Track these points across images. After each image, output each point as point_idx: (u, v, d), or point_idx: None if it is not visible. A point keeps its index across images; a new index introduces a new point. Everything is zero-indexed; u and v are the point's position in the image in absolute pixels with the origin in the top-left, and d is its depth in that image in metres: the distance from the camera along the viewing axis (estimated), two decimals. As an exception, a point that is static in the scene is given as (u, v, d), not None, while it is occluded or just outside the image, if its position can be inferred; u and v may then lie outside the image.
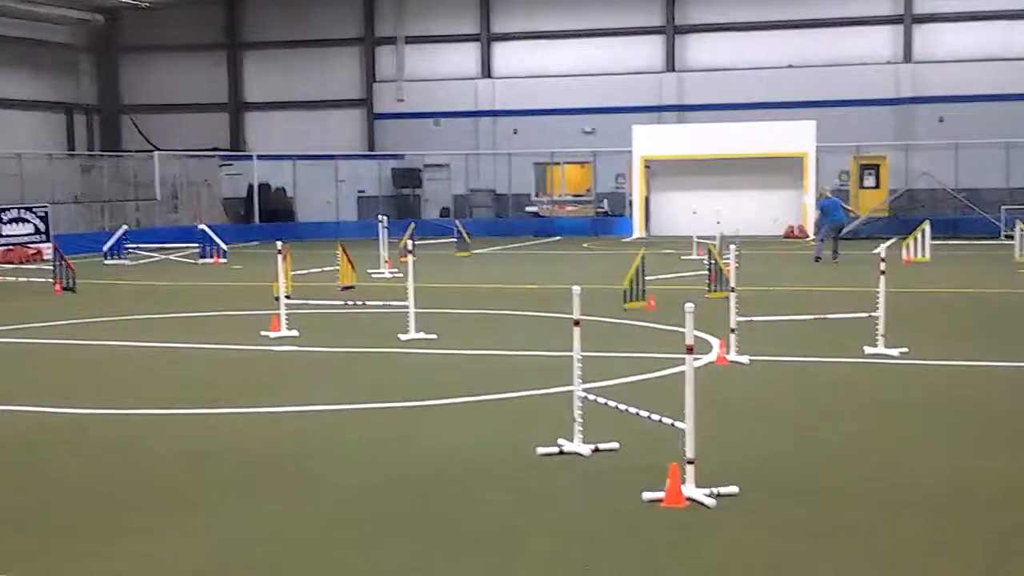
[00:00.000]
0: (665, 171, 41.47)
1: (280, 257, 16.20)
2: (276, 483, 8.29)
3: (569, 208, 44.97)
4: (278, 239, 18.61)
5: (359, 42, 47.55)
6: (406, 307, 15.36)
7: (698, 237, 30.14)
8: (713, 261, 19.63)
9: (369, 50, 47.40)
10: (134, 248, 32.11)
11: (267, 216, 43.09)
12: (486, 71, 46.29)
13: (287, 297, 16.03)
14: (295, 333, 15.51)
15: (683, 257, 29.05)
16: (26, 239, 32.00)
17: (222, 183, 44.84)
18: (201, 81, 48.94)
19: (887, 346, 13.48)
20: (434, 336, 15.17)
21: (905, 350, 13.48)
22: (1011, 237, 30.61)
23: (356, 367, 13.63)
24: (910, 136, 41.76)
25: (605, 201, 44.47)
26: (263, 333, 15.63)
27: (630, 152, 40.98)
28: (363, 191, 45.40)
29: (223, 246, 30.62)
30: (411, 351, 14.42)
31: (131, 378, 13.00)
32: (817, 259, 28.03)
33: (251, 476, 8.48)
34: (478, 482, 8.22)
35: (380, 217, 28.08)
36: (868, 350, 13.53)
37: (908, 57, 42.32)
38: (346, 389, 11.91)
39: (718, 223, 25.13)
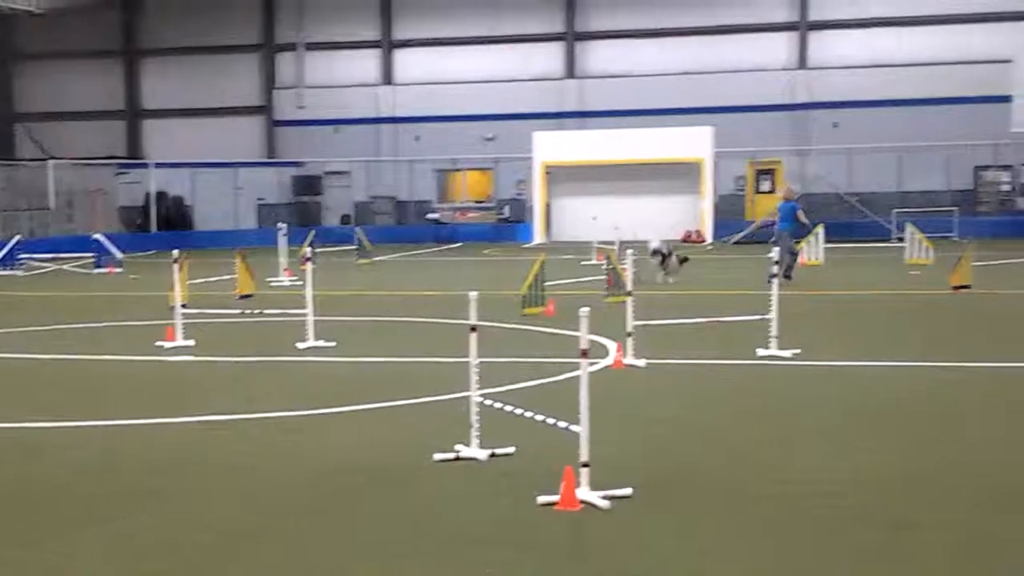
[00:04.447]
0: (566, 177, 41.73)
1: (176, 266, 16.01)
2: (171, 494, 8.18)
3: (470, 215, 45.08)
4: (176, 248, 18.39)
5: (259, 48, 47.18)
6: (305, 315, 15.27)
7: (598, 242, 30.35)
8: (611, 266, 19.81)
9: (269, 57, 47.04)
10: (27, 258, 31.49)
11: (165, 225, 42.50)
12: (387, 78, 46.20)
13: (183, 306, 15.83)
14: (191, 343, 15.32)
15: (583, 263, 29.24)
16: (-86, 250, 31.18)
17: (118, 191, 44.19)
18: (97, 88, 48.20)
19: (780, 348, 13.72)
20: (333, 344, 15.10)
21: (798, 351, 13.73)
22: (902, 240, 31.27)
23: (253, 376, 13.50)
24: (806, 141, 42.52)
25: (506, 207, 44.62)
26: (158, 343, 15.41)
27: (531, 158, 41.16)
28: (263, 199, 45.04)
29: (118, 255, 30.13)
30: (309, 359, 14.35)
31: (22, 390, 12.73)
32: (787, 276, 22.80)
33: (145, 487, 8.36)
34: (375, 489, 8.21)
35: (279, 225, 27.87)
36: (760, 352, 13.75)
37: (803, 63, 43.08)
38: (242, 398, 11.77)
39: (616, 228, 25.35)
